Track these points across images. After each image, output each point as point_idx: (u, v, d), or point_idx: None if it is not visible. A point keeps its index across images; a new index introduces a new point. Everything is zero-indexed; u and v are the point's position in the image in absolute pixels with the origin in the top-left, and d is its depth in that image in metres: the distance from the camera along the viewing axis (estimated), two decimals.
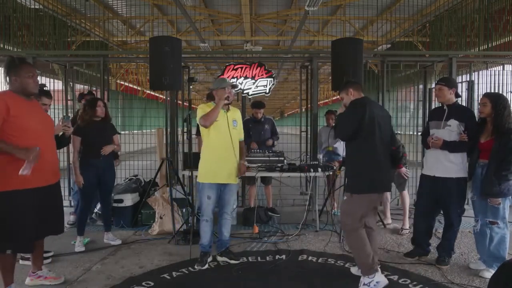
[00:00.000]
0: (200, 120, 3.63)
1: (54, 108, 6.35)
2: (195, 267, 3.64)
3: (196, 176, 4.93)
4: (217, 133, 3.67)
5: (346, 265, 3.71)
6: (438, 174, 3.64)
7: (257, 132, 5.63)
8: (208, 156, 3.72)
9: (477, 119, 3.63)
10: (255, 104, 5.67)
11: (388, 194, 5.09)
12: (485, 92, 6.41)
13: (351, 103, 3.30)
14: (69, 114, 5.70)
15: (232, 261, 3.76)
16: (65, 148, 5.19)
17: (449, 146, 3.54)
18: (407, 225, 4.80)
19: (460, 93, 3.98)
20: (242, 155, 3.87)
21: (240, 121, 3.91)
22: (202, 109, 3.70)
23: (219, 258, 3.80)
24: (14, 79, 2.91)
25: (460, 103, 3.87)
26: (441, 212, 3.87)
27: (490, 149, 3.35)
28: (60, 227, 3.19)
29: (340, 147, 5.56)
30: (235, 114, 3.87)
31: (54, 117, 5.93)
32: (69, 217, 5.04)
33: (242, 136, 3.95)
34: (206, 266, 3.67)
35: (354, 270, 3.50)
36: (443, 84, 3.65)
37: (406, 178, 4.81)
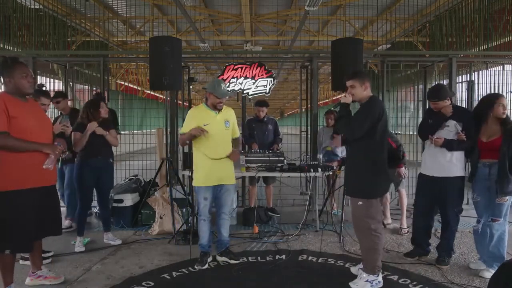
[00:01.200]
0: (179, 138, 3.76)
1: (54, 108, 6.35)
2: (195, 267, 3.64)
3: None
4: (208, 137, 3.60)
5: (346, 265, 3.71)
6: (436, 174, 3.64)
7: (260, 132, 5.61)
8: (200, 161, 3.67)
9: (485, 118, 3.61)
10: (258, 102, 5.67)
11: (387, 194, 5.10)
12: (485, 92, 6.44)
13: (368, 103, 3.20)
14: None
15: (232, 261, 3.75)
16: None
17: (449, 144, 3.54)
18: (405, 224, 4.82)
19: (456, 93, 3.97)
20: (236, 145, 3.85)
21: (233, 120, 3.83)
22: (189, 118, 3.68)
23: (219, 258, 3.80)
24: (8, 80, 2.88)
25: (456, 103, 3.86)
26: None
27: (494, 148, 3.35)
28: (58, 228, 3.19)
29: (338, 147, 5.57)
30: (227, 113, 3.78)
31: (54, 117, 5.92)
32: (64, 222, 4.98)
33: (237, 134, 3.89)
34: (206, 266, 3.67)
35: (354, 270, 3.51)
36: (436, 100, 3.61)
37: (403, 177, 4.82)
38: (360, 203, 3.20)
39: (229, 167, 3.76)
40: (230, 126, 3.78)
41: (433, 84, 7.43)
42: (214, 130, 3.63)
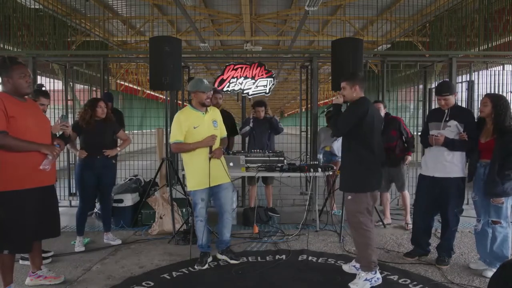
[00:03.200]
0: (172, 146, 3.62)
1: (54, 108, 6.37)
2: (195, 267, 3.63)
3: None
4: (197, 139, 3.59)
5: None
6: (437, 175, 3.64)
7: (259, 132, 5.56)
8: (191, 163, 3.64)
9: (476, 119, 3.65)
10: (256, 103, 5.67)
11: (387, 194, 5.11)
12: (485, 92, 6.44)
13: (355, 102, 3.33)
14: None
15: (232, 261, 3.74)
16: (65, 148, 5.19)
17: (450, 144, 3.54)
18: (409, 220, 4.83)
19: (459, 93, 4.00)
20: (223, 144, 3.80)
21: (220, 119, 3.81)
22: (177, 123, 3.56)
23: (219, 257, 3.80)
24: (6, 80, 2.87)
25: (458, 103, 3.87)
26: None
27: (491, 149, 3.35)
28: (57, 229, 3.18)
29: (336, 147, 5.56)
30: (214, 113, 3.76)
31: (54, 117, 5.94)
32: None
33: (224, 133, 3.86)
34: (206, 266, 3.66)
35: (346, 267, 3.56)
36: (447, 94, 3.63)
37: (406, 164, 4.92)
38: (349, 197, 3.31)
39: (222, 166, 3.70)
40: (218, 125, 3.76)
41: (433, 84, 7.44)
42: (204, 131, 3.61)
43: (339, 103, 3.44)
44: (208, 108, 3.70)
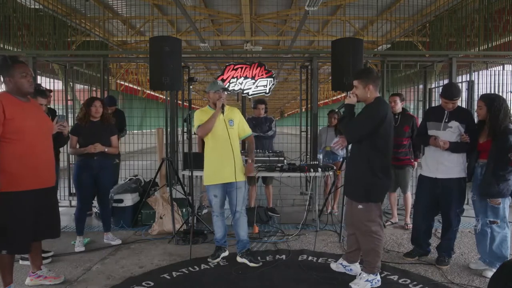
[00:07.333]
0: (197, 132, 3.78)
1: (54, 108, 6.36)
2: (208, 260, 3.74)
3: (196, 176, 4.95)
4: (213, 136, 3.72)
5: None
6: (439, 176, 3.64)
7: (259, 131, 5.56)
8: (208, 159, 3.79)
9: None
10: (256, 100, 5.67)
11: (395, 194, 5.14)
12: (484, 92, 6.44)
13: (372, 104, 3.14)
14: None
15: (252, 264, 3.69)
16: (65, 148, 5.19)
17: (454, 147, 3.54)
18: (409, 221, 4.86)
19: None
20: (250, 152, 3.89)
21: (238, 119, 3.84)
22: (197, 117, 3.79)
23: (239, 259, 3.78)
24: (8, 80, 2.87)
25: (459, 104, 3.87)
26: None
27: (488, 149, 3.36)
28: (57, 230, 3.18)
29: (340, 148, 5.55)
30: (231, 113, 3.82)
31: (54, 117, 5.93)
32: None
33: (247, 133, 3.91)
34: (218, 259, 3.76)
35: (334, 266, 3.56)
36: (457, 98, 3.63)
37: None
38: (360, 206, 3.21)
39: (234, 165, 3.72)
40: (235, 125, 3.80)
41: (433, 85, 7.43)
42: (218, 129, 3.70)
43: (352, 104, 3.22)
44: (226, 108, 3.76)
